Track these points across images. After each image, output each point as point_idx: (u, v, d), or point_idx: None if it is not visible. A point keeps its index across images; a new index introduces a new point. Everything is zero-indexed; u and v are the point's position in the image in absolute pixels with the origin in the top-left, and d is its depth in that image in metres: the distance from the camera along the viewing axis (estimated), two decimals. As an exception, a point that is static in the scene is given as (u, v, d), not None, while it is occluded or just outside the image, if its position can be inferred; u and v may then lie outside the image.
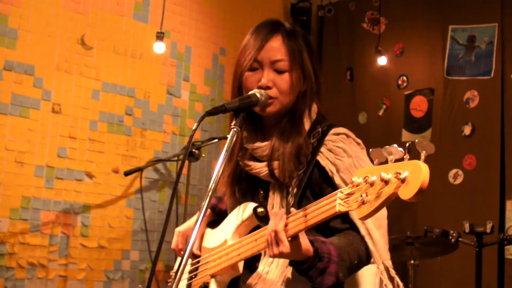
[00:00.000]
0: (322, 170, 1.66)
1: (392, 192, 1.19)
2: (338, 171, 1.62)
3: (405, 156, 1.20)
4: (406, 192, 1.17)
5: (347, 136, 1.70)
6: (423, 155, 1.18)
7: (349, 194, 1.31)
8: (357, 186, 1.29)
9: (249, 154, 1.76)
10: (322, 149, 1.67)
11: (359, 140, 1.72)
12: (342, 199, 1.33)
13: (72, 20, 3.87)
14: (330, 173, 1.63)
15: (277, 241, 1.43)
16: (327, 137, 1.69)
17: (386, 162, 1.24)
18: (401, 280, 1.56)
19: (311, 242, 1.48)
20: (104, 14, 4.03)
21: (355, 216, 1.57)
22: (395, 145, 1.22)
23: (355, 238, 1.59)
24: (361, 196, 1.25)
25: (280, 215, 1.47)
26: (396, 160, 1.22)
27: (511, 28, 4.27)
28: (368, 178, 1.25)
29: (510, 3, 4.28)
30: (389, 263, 1.59)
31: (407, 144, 1.21)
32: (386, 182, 1.21)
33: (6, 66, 3.58)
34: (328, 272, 1.47)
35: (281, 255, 1.45)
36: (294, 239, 1.44)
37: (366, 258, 1.60)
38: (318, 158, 1.66)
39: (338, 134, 1.70)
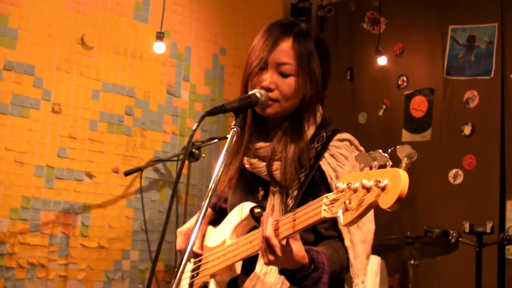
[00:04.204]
0: (322, 174, 1.65)
1: (373, 200, 1.16)
2: (337, 177, 1.62)
3: (388, 163, 1.17)
4: (386, 200, 1.13)
5: (351, 143, 1.70)
6: (404, 162, 1.14)
7: (334, 200, 1.29)
8: (341, 192, 1.26)
9: (253, 153, 1.76)
10: (326, 154, 1.66)
11: (361, 148, 1.71)
12: (327, 205, 1.31)
13: (72, 20, 3.87)
14: (329, 178, 1.63)
15: (270, 247, 1.42)
16: (332, 143, 1.68)
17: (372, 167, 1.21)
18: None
19: (307, 250, 1.47)
20: (104, 14, 4.03)
21: (341, 226, 1.56)
22: (380, 151, 1.19)
23: (340, 248, 1.60)
24: (344, 203, 1.23)
25: (266, 219, 1.45)
26: (381, 166, 1.18)
27: (511, 28, 4.26)
28: (352, 184, 1.22)
29: (510, 3, 4.28)
30: (364, 278, 1.60)
31: (389, 150, 1.17)
32: (367, 189, 1.17)
33: (6, 66, 3.58)
34: (321, 282, 1.47)
35: (276, 260, 1.44)
36: (286, 243, 1.44)
37: (347, 268, 1.61)
38: (321, 162, 1.66)
39: (342, 140, 1.69)
